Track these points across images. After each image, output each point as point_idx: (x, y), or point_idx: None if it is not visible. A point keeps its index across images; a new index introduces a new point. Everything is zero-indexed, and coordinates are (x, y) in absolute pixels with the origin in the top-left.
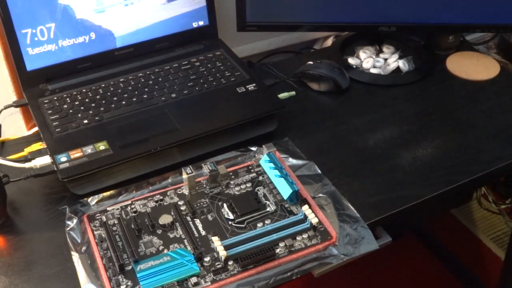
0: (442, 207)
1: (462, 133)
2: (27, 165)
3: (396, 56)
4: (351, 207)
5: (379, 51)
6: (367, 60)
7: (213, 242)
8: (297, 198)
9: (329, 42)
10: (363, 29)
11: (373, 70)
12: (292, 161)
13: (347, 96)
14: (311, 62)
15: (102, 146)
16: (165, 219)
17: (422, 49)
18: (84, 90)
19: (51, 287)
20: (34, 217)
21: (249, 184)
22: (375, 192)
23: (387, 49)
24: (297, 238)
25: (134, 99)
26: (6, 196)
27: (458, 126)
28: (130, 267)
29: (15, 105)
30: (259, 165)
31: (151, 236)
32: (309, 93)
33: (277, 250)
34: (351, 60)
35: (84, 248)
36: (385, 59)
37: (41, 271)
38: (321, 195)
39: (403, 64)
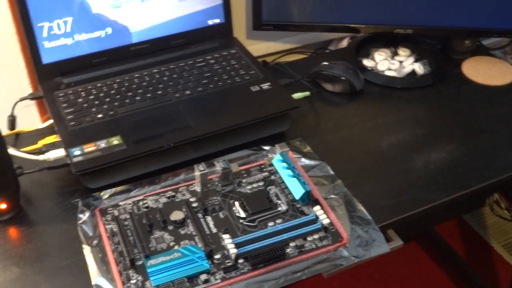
0: (454, 212)
1: (476, 138)
2: (41, 157)
3: (411, 59)
4: (363, 209)
5: (394, 54)
6: (382, 62)
7: (223, 240)
8: (309, 199)
9: (344, 43)
10: (379, 31)
11: (388, 73)
12: (305, 161)
13: (361, 98)
14: (326, 63)
15: (115, 140)
16: (177, 215)
17: (438, 53)
18: (99, 85)
19: (62, 279)
20: (46, 209)
21: (261, 183)
22: (388, 195)
23: (402, 52)
24: (308, 238)
25: (149, 95)
26: (19, 187)
27: (472, 131)
28: (140, 262)
29: (31, 97)
30: (271, 164)
31: (162, 231)
32: (323, 94)
33: (288, 250)
34: (366, 62)
35: (95, 241)
36: (401, 62)
37: (52, 263)
38: (333, 196)
39: (418, 67)
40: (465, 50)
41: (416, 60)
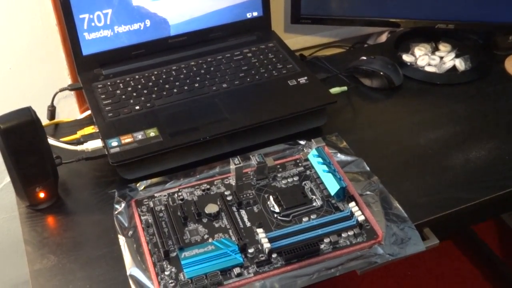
0: (492, 212)
1: None
2: (79, 147)
3: (452, 54)
4: (399, 206)
5: (435, 49)
6: (422, 57)
7: (257, 234)
8: (344, 195)
9: (383, 37)
10: (420, 26)
11: (428, 68)
12: (341, 157)
13: (399, 94)
14: (364, 57)
15: (152, 132)
16: (211, 208)
17: (480, 49)
18: (137, 77)
19: (97, 268)
20: (83, 199)
21: (296, 178)
22: (424, 193)
23: (443, 47)
24: (343, 235)
25: (186, 88)
26: (58, 177)
27: None
28: (174, 254)
29: (70, 88)
30: (307, 159)
31: (196, 224)
32: (361, 89)
33: (322, 246)
34: (406, 57)
35: (130, 232)
36: (441, 57)
37: (88, 252)
38: (368, 192)
39: (459, 63)
40: (509, 46)
41: (457, 56)
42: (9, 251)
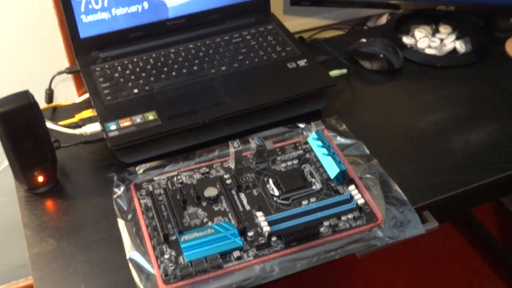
0: (492, 195)
1: None
2: (77, 131)
3: (453, 36)
4: (399, 189)
5: (435, 31)
6: (423, 39)
7: (257, 217)
8: (344, 178)
9: (383, 19)
10: (420, 8)
11: (428, 51)
12: (340, 140)
13: (399, 76)
14: (364, 40)
15: (151, 116)
16: (211, 191)
17: (481, 31)
18: (135, 60)
19: (97, 252)
20: (82, 182)
21: (295, 161)
22: (424, 176)
23: (444, 29)
24: (342, 218)
25: (184, 71)
26: (56, 161)
27: None
28: (174, 237)
29: (68, 71)
30: (306, 143)
31: (196, 207)
32: (361, 72)
33: (321, 229)
34: (406, 39)
35: (130, 216)
36: (441, 40)
37: (88, 236)
38: (368, 176)
39: (460, 45)
40: (509, 28)
41: (458, 38)
42: (8, 235)
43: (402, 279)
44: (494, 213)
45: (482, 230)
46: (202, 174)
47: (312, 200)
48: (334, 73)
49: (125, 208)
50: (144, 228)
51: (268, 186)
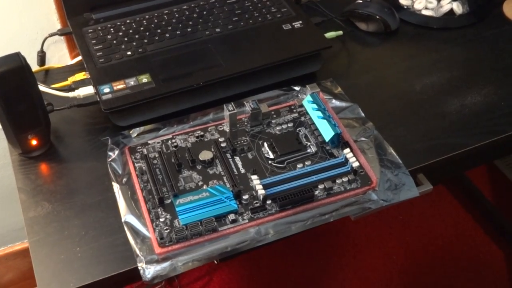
0: (486, 157)
1: None
2: (70, 94)
3: None
4: (393, 152)
5: None
6: (419, 0)
7: (252, 181)
8: (339, 141)
9: None
10: None
11: (425, 12)
12: (336, 102)
13: (396, 38)
14: (361, 1)
15: (144, 78)
16: (205, 155)
17: None
18: (128, 21)
19: (92, 215)
20: (76, 146)
21: (290, 124)
22: (419, 139)
23: None
24: (337, 181)
25: (178, 32)
26: (50, 124)
27: (511, 74)
28: (169, 201)
29: (60, 33)
30: (301, 105)
31: (190, 171)
32: (357, 33)
33: (316, 192)
34: (402, 0)
35: (124, 179)
36: (438, 1)
37: (83, 200)
38: (363, 139)
39: (457, 7)
40: None
41: None
42: (4, 198)
43: (395, 242)
44: (488, 175)
45: (475, 192)
46: (197, 137)
47: (307, 163)
48: (329, 34)
49: (120, 172)
50: (139, 192)
51: (263, 149)
